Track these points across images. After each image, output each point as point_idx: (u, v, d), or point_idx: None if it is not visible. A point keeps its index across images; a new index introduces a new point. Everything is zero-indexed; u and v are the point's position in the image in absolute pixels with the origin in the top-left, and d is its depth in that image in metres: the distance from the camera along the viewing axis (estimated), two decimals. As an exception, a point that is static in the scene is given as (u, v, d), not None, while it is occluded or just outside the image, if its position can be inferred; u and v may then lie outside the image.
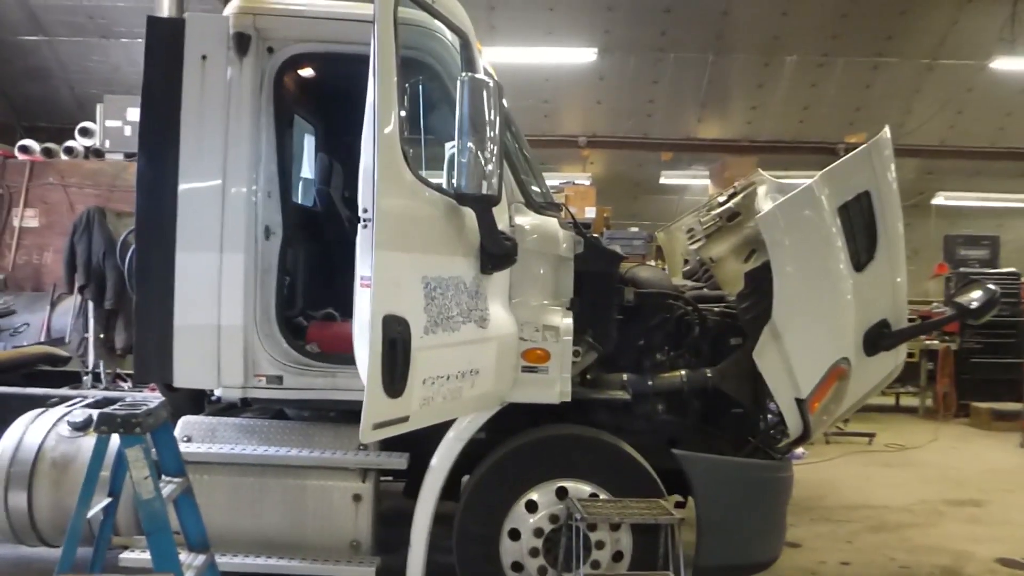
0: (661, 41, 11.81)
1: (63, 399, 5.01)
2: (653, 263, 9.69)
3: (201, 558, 3.52)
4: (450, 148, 3.97)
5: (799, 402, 4.14)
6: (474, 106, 3.28)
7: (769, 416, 4.64)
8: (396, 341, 3.04)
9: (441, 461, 4.09)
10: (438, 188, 3.39)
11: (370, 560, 4.15)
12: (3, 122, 12.12)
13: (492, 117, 3.32)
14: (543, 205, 4.42)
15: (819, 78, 12.42)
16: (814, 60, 12.16)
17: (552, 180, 12.41)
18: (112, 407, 3.30)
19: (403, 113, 3.43)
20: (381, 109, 3.04)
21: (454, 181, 3.33)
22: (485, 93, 3.32)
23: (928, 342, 11.35)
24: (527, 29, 11.28)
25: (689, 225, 6.34)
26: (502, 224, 3.90)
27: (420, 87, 4.09)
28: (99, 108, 10.57)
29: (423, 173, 3.42)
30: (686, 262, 6.89)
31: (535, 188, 4.67)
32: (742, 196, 5.66)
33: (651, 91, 12.62)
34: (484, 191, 3.32)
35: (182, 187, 4.13)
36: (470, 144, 3.26)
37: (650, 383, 4.53)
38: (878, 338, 4.23)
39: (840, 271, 4.12)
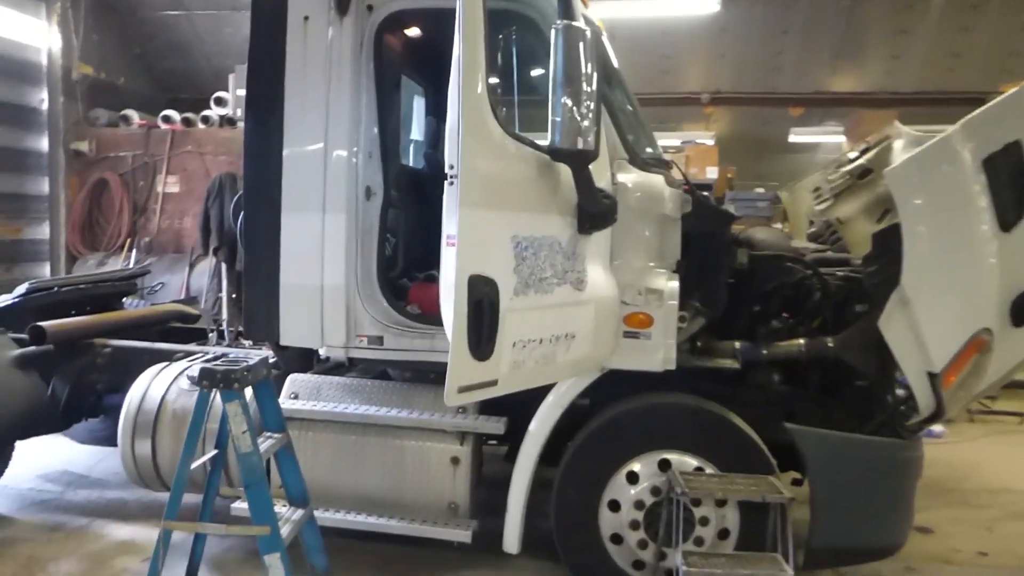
0: (791, -14, 11.06)
1: (187, 354, 5.28)
2: (780, 225, 9.20)
3: (300, 512, 3.61)
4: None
5: (931, 376, 3.75)
6: (569, 56, 3.11)
7: (898, 391, 4.26)
8: (483, 302, 2.97)
9: (539, 427, 4.01)
10: (530, 143, 3.25)
11: (467, 523, 4.15)
12: (148, 95, 12.87)
13: (588, 68, 3.15)
14: (648, 161, 4.19)
15: (971, 21, 11.22)
16: (966, 1, 11.02)
17: (673, 139, 11.98)
18: (214, 363, 3.39)
19: (500, 68, 3.33)
20: (466, 61, 2.93)
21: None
22: (581, 42, 3.14)
23: (1096, 313, 10.19)
24: (646, -20, 10.80)
25: (815, 184, 5.93)
26: (603, 182, 3.73)
27: (521, 41, 3.94)
28: (231, 78, 11.06)
29: (528, 133, 3.30)
30: (811, 223, 6.48)
31: (647, 146, 4.46)
32: (876, 151, 5.24)
33: (780, 42, 11.79)
34: (580, 147, 3.17)
35: (286, 148, 4.18)
36: (565, 97, 3.10)
37: (764, 352, 4.26)
38: (1028, 307, 3.77)
39: (982, 232, 3.67)
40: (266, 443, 3.46)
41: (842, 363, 4.19)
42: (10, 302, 5.55)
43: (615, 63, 4.72)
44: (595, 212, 3.49)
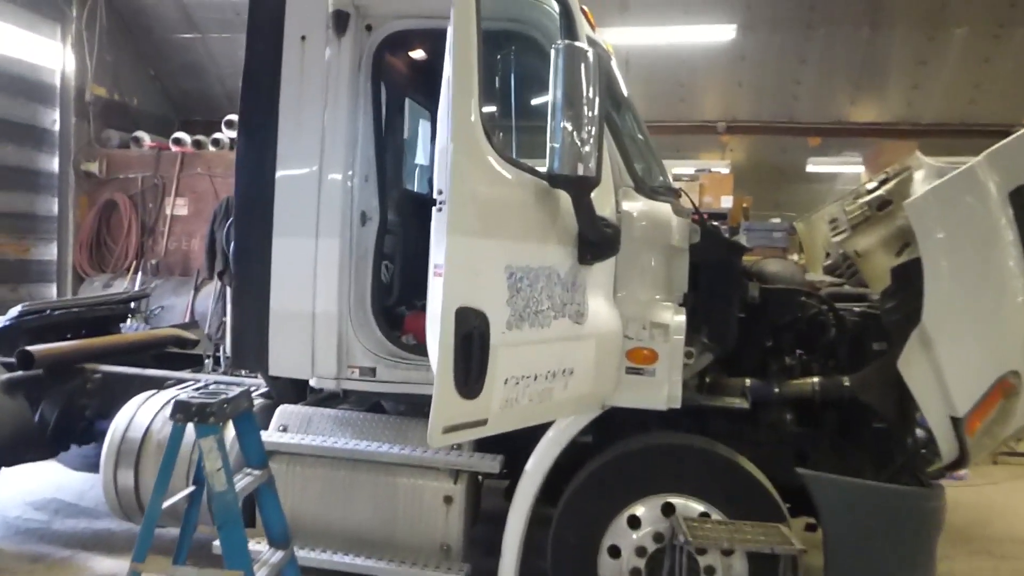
0: (809, 16, 10.84)
1: (178, 381, 5.13)
2: (796, 257, 8.97)
3: (280, 554, 3.40)
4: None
5: (954, 421, 3.53)
6: (570, 77, 2.95)
7: (919, 431, 4.03)
8: (472, 336, 2.78)
9: (536, 466, 3.80)
10: (528, 169, 3.08)
11: (459, 567, 3.93)
12: (162, 116, 12.89)
13: (590, 90, 2.98)
14: (655, 189, 4.01)
15: (994, 52, 11.00)
16: (988, 31, 10.78)
17: (687, 168, 11.81)
18: (189, 395, 3.22)
19: (498, 90, 3.16)
20: (457, 80, 2.78)
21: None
22: (583, 63, 2.97)
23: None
24: (661, 6, 10.64)
25: (832, 215, 5.72)
26: (607, 210, 3.57)
27: (522, 63, 3.80)
28: (242, 101, 10.99)
29: (529, 159, 3.14)
30: (828, 255, 6.27)
31: (658, 176, 4.29)
32: (895, 182, 5.04)
33: (798, 71, 11.61)
34: (580, 172, 2.99)
35: (279, 170, 4.05)
36: (565, 120, 2.94)
37: (776, 390, 4.05)
38: (1058, 349, 3.53)
39: (1009, 268, 3.46)
40: (244, 480, 3.27)
41: (859, 404, 3.97)
42: (2, 325, 5.43)
43: (624, 89, 4.58)
44: (597, 241, 3.31)
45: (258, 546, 3.61)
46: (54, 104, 10.85)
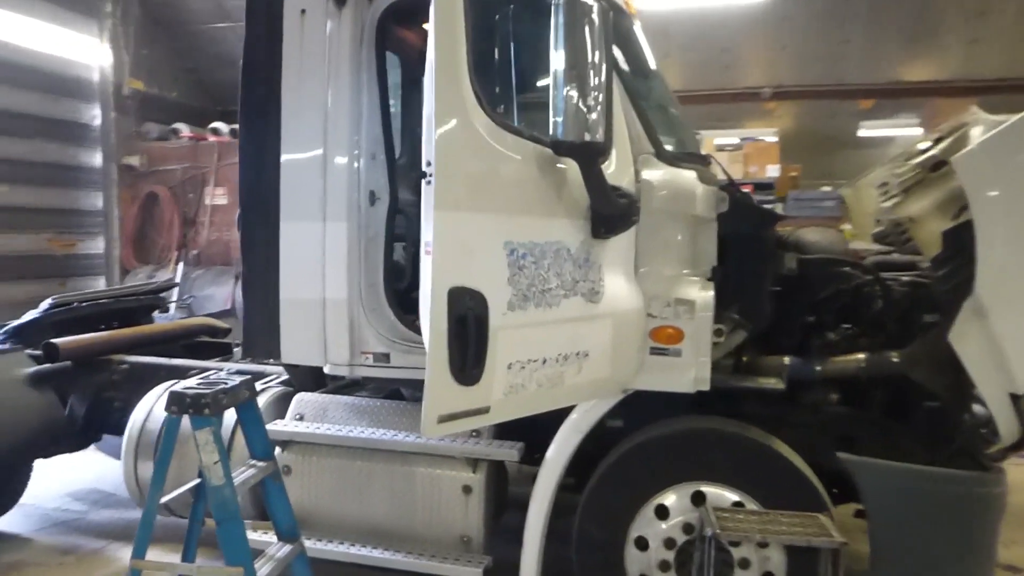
0: (856, -32, 10.30)
1: (202, 371, 5.05)
2: (848, 226, 8.53)
3: (288, 548, 3.27)
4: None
5: (1014, 398, 3.21)
6: (572, 35, 2.70)
7: (976, 409, 3.69)
8: (467, 318, 2.57)
9: (557, 454, 3.60)
10: (528, 136, 2.85)
11: (479, 559, 3.75)
12: (200, 107, 12.96)
13: (596, 48, 2.74)
14: (679, 156, 3.73)
15: (1061, -1, 10.30)
16: (1054, -25, 10.09)
17: (732, 138, 11.36)
18: (186, 386, 3.10)
19: (499, 52, 2.94)
20: (441, 39, 2.55)
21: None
22: (586, 18, 2.73)
23: None
24: (698, -34, 10.23)
25: (882, 179, 5.35)
26: (625, 179, 3.32)
27: (524, 21, 3.56)
28: (277, 88, 10.96)
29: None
30: (878, 222, 5.90)
31: (691, 147, 4.03)
32: (950, 141, 4.63)
33: (846, 30, 10.99)
34: (587, 138, 2.75)
35: (284, 152, 3.88)
36: (568, 82, 2.70)
37: (818, 368, 3.75)
38: None
39: (1073, 229, 3.11)
40: (245, 473, 3.14)
41: (909, 381, 3.65)
42: (31, 318, 5.45)
43: (649, 53, 4.29)
44: (610, 213, 3.07)
45: (272, 537, 3.51)
46: (94, 100, 10.99)
